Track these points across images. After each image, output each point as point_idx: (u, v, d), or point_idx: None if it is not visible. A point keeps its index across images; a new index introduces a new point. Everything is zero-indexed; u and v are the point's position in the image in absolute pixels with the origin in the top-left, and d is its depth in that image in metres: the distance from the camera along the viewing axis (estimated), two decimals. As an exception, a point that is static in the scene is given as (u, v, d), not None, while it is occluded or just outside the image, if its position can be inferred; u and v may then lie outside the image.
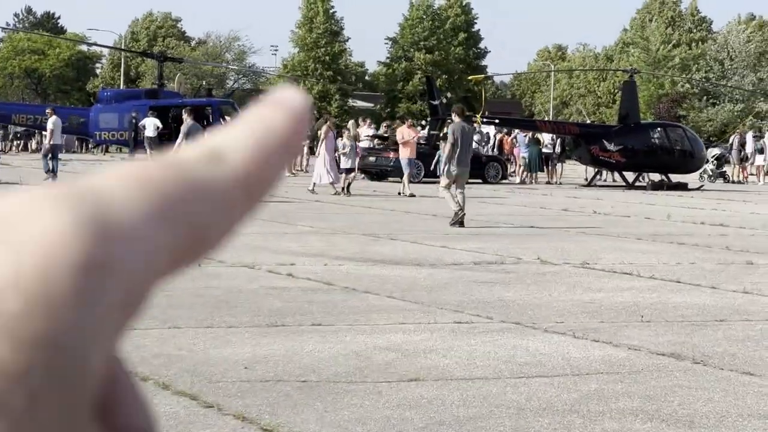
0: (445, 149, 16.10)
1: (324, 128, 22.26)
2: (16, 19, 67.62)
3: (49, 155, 18.88)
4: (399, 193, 21.33)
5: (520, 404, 5.75)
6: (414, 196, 21.42)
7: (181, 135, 19.13)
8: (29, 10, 65.52)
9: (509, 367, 6.72)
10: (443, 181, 16.07)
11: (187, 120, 21.25)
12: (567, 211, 19.92)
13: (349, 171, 21.89)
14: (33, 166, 25.74)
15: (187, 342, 7.61)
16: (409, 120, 25.30)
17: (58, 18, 63.63)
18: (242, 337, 7.82)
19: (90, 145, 35.22)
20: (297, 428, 4.96)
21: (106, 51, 44.32)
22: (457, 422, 5.26)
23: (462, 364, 7.00)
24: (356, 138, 25.54)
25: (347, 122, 28.73)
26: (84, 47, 48.93)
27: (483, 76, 49.29)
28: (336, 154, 21.99)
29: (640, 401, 5.99)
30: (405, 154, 23.07)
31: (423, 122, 33.84)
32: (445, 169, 15.05)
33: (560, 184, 28.81)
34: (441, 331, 8.11)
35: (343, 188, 20.66)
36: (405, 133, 23.48)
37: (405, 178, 22.17)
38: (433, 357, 7.11)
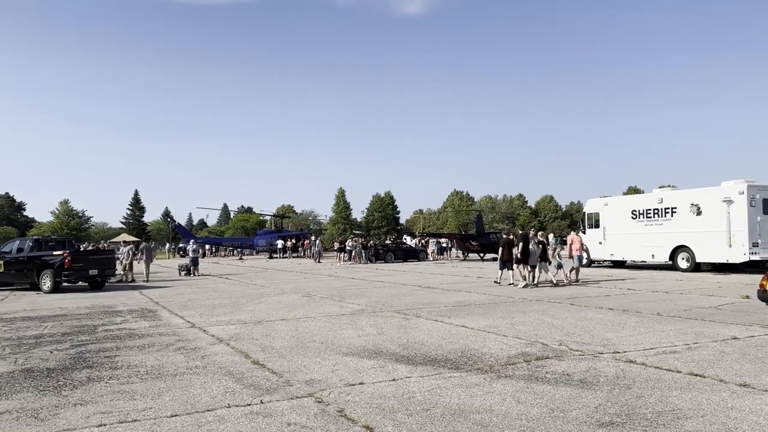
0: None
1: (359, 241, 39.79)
2: (237, 210, 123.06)
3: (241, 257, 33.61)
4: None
5: (465, 349, 6.71)
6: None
7: (315, 245, 34.97)
8: (243, 207, 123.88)
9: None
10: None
11: (314, 240, 34.60)
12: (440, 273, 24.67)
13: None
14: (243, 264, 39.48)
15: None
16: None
17: (251, 207, 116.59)
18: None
19: (254, 253, 59.41)
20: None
21: (268, 216, 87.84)
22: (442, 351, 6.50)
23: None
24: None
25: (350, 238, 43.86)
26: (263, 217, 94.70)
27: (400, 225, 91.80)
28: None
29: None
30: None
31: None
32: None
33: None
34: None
35: None
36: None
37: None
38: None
